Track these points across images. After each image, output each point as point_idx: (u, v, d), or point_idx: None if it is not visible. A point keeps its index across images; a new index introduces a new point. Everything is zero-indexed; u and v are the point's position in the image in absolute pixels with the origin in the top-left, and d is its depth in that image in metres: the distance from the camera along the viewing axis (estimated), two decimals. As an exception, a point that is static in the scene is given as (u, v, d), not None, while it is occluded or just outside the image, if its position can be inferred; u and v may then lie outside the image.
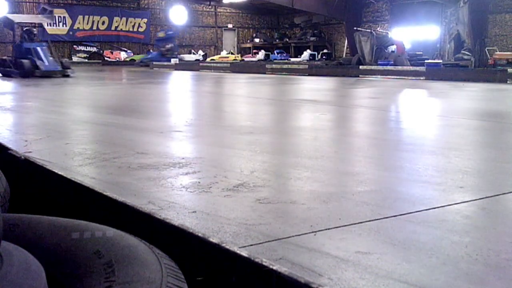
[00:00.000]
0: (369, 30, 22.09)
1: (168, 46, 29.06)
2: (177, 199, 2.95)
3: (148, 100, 10.13)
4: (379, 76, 17.94)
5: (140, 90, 12.88)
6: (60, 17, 30.19)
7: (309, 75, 19.61)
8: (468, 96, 11.46)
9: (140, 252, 0.90)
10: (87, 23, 32.47)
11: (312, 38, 34.03)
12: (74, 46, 32.10)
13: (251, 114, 7.87)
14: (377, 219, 2.56)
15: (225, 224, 2.49)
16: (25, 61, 15.90)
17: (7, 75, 16.42)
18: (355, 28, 23.20)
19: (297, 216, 2.66)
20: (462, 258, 2.10)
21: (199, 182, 3.29)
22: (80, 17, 32.06)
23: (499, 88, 13.31)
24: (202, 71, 23.90)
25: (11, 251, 0.79)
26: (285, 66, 22.34)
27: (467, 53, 20.61)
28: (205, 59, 31.19)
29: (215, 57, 32.30)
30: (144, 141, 4.99)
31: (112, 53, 32.97)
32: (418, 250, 2.18)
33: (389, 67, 18.51)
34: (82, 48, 32.48)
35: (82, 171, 3.66)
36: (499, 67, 17.62)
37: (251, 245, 2.21)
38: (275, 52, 33.87)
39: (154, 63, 26.66)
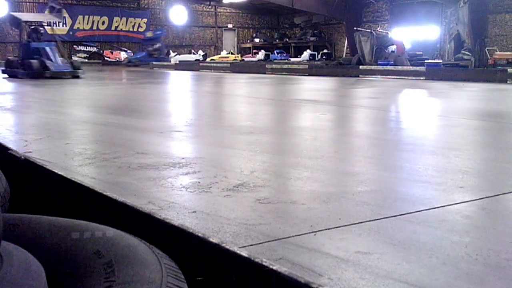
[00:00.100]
0: (369, 30, 22.11)
1: (156, 46, 28.89)
2: (177, 199, 2.95)
3: (148, 100, 10.14)
4: (379, 76, 17.93)
5: (140, 90, 12.88)
6: (60, 17, 30.23)
7: (309, 75, 19.61)
8: (468, 96, 11.46)
9: (140, 252, 0.90)
10: (87, 23, 32.53)
11: (312, 38, 34.07)
12: (74, 46, 32.15)
13: (251, 114, 7.87)
14: (377, 219, 2.56)
15: (225, 224, 2.49)
16: (34, 62, 15.14)
17: (13, 76, 15.71)
18: (355, 28, 23.22)
19: (297, 216, 2.66)
20: (462, 258, 2.10)
21: (199, 182, 3.29)
22: (80, 17, 32.12)
23: (499, 88, 13.31)
24: (202, 71, 23.90)
25: (11, 251, 0.79)
26: (285, 66, 22.35)
27: (467, 53, 20.63)
28: (205, 59, 31.17)
29: (215, 57, 32.30)
30: (144, 141, 4.99)
31: (112, 53, 33.01)
32: (418, 250, 2.18)
33: (389, 67, 18.51)
34: (82, 48, 32.53)
35: (82, 171, 3.66)
36: (499, 67, 17.63)
37: (251, 245, 2.21)
38: (275, 52, 33.89)
39: (154, 63, 26.66)
